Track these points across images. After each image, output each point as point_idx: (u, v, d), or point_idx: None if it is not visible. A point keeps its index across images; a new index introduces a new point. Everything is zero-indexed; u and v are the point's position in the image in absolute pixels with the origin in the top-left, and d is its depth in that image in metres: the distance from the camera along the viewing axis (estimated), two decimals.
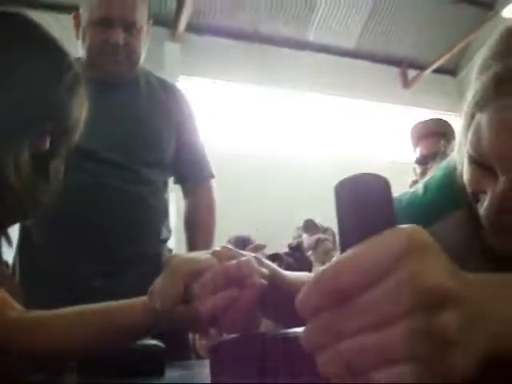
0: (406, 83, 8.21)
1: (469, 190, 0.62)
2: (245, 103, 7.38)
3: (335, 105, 7.89)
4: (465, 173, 0.62)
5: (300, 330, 0.61)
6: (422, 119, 2.15)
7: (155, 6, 6.64)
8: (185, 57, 6.75)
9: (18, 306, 0.74)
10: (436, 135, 2.01)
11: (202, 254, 0.70)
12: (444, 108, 7.65)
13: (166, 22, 6.74)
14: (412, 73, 8.22)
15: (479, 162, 0.58)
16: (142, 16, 1.55)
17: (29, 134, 0.75)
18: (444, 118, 2.19)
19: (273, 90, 7.50)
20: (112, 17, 1.49)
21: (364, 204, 0.32)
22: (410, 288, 0.29)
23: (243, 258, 0.65)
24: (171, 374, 0.94)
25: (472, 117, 0.60)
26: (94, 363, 0.80)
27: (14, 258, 1.45)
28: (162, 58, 6.69)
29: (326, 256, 4.14)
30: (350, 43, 7.76)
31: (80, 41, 1.54)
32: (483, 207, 0.59)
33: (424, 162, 2.00)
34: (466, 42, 7.53)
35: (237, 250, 0.71)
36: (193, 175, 1.69)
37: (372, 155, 7.79)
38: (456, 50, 7.63)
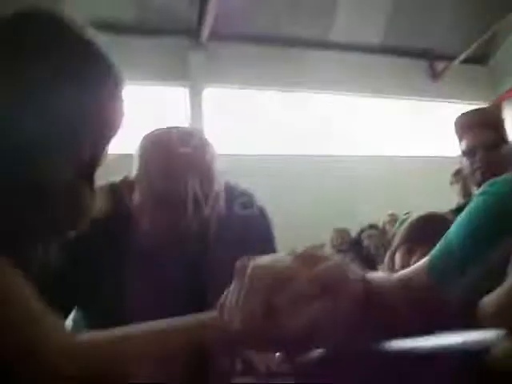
0: (435, 76, 8.06)
1: None
2: (272, 108, 7.35)
3: (361, 103, 7.81)
4: None
5: (404, 342, 0.54)
6: (464, 111, 2.10)
7: (177, 17, 6.68)
8: (210, 65, 6.76)
9: (69, 332, 0.68)
10: (482, 125, 1.97)
11: (281, 259, 0.58)
12: (475, 98, 7.50)
13: (189, 31, 6.76)
14: (440, 65, 8.06)
15: None
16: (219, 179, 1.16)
17: (70, 142, 0.72)
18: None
19: (300, 93, 7.46)
20: (179, 197, 1.10)
21: None
22: None
23: (332, 262, 0.56)
24: None
25: None
26: None
27: None
28: (187, 68, 6.72)
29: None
30: (374, 39, 7.66)
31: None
32: None
33: (471, 153, 1.96)
34: (493, 30, 7.36)
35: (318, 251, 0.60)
36: None
37: (406, 152, 7.69)
38: (484, 38, 7.47)
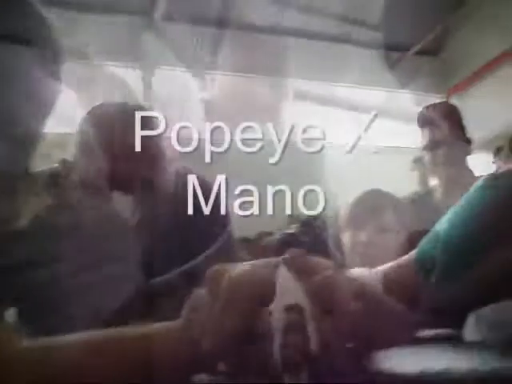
0: (389, 66, 8.15)
1: None
2: (223, 91, 7.27)
3: (317, 91, 7.80)
4: None
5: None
6: (429, 103, 2.14)
7: None
8: (162, 46, 6.64)
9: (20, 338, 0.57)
10: (443, 119, 1.99)
11: (265, 265, 0.49)
12: (427, 89, 7.61)
13: (142, 11, 6.60)
14: (394, 56, 8.15)
15: None
16: None
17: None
18: (427, 100, 2.19)
19: (252, 78, 7.40)
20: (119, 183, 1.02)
21: None
22: None
23: (330, 271, 0.47)
24: None
25: None
26: None
27: None
28: (139, 48, 6.56)
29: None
30: (330, 26, 7.67)
31: None
32: None
33: (433, 147, 1.99)
34: (446, 23, 7.49)
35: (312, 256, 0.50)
36: None
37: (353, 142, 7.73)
38: (436, 30, 7.59)
